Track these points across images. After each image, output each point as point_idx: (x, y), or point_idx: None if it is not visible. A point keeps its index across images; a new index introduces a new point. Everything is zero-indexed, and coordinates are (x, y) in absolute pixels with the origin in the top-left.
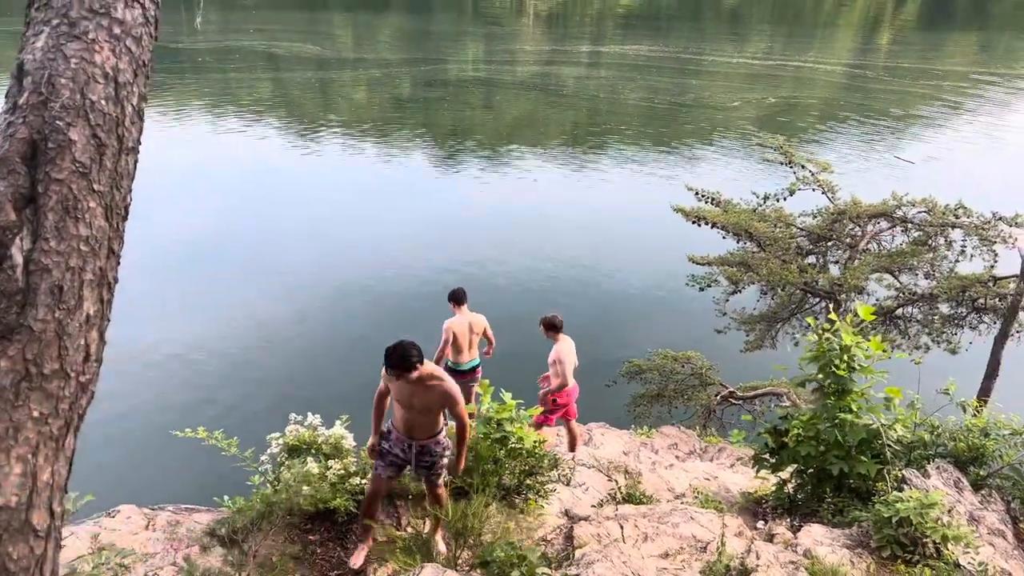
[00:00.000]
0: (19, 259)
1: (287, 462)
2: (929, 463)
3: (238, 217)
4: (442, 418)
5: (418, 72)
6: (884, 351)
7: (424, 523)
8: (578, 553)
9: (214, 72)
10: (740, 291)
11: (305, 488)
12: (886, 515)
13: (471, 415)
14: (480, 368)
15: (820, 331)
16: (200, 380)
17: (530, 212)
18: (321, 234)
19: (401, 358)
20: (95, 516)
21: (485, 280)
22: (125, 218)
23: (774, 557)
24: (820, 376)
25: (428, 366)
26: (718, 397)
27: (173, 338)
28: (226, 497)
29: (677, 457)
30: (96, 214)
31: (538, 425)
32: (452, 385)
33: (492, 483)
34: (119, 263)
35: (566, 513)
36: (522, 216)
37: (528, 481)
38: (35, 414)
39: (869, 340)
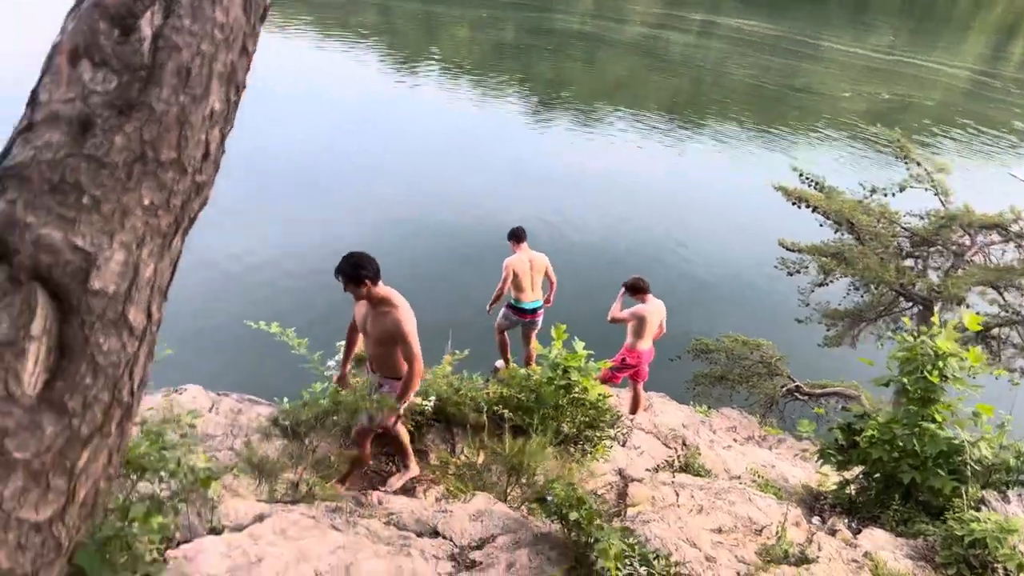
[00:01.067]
0: (148, 32)
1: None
2: (1010, 488)
3: (330, 136)
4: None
5: (524, 18)
6: (983, 365)
7: (479, 454)
8: (632, 511)
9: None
10: (828, 283)
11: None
12: (958, 533)
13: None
14: (541, 311)
15: (915, 333)
16: (280, 284)
17: (618, 175)
18: (407, 166)
19: (349, 266)
20: (163, 390)
21: (563, 239)
22: (262, 19)
23: (836, 552)
24: (907, 379)
25: (384, 289)
26: (783, 389)
27: (256, 246)
28: (286, 400)
29: (735, 440)
30: (235, 2)
31: (604, 380)
32: (405, 313)
33: (551, 428)
34: (250, 67)
35: (620, 472)
36: (609, 178)
37: (587, 432)
38: (145, 202)
39: (968, 351)
